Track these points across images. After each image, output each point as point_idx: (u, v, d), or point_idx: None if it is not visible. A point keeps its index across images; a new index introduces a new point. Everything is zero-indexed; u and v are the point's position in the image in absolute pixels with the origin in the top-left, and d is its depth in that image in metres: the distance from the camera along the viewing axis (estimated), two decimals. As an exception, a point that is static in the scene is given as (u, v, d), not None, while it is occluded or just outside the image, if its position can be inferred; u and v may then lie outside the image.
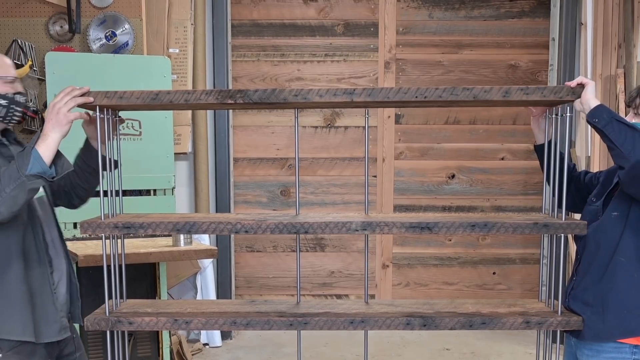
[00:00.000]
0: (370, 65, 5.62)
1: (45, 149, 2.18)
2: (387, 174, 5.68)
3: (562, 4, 5.17)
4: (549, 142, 2.35)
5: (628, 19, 4.92)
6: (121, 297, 2.39)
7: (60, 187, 2.55)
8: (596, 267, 2.30)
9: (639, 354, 2.25)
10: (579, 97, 2.17)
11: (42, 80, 4.58)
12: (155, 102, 2.15)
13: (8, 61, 2.37)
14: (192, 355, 4.92)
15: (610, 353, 2.27)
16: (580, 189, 2.49)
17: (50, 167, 2.20)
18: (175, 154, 4.61)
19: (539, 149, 2.49)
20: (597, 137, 4.78)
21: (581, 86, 2.18)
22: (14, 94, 2.34)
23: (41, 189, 2.39)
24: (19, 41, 4.53)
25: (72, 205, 2.65)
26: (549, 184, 2.34)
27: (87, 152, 2.47)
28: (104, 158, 2.25)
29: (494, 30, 5.59)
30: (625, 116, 2.37)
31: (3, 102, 2.31)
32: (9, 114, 2.34)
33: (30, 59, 4.54)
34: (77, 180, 2.52)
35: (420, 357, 4.96)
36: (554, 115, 2.27)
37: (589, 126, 2.54)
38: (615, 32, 4.99)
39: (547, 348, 2.32)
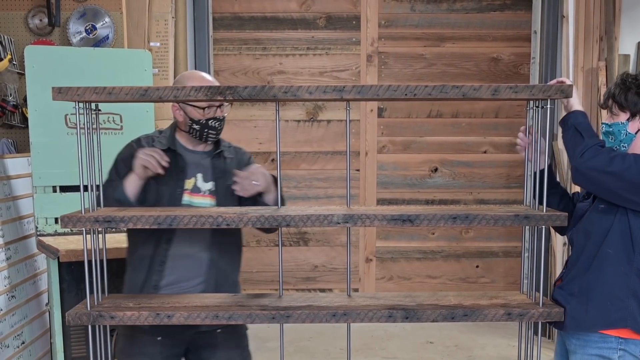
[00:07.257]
0: (353, 59, 5.61)
1: None
2: (369, 168, 5.69)
3: (544, -4, 5.20)
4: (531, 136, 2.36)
5: (609, 11, 4.95)
6: (103, 292, 2.38)
7: None
8: (584, 258, 2.33)
9: (624, 344, 2.27)
10: (568, 96, 2.14)
11: (21, 74, 4.52)
12: (144, 98, 2.13)
13: None
14: (176, 350, 4.89)
15: (597, 343, 2.30)
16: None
17: None
18: (157, 148, 4.57)
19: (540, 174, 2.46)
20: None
21: (569, 87, 2.17)
22: None
23: None
24: (-2, 35, 4.48)
25: None
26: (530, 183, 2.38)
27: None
28: None
29: (476, 23, 5.60)
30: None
31: None
32: None
33: (9, 52, 4.49)
34: None
35: (404, 351, 4.98)
36: (534, 108, 2.26)
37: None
38: (597, 25, 5.01)
39: (529, 340, 2.33)
